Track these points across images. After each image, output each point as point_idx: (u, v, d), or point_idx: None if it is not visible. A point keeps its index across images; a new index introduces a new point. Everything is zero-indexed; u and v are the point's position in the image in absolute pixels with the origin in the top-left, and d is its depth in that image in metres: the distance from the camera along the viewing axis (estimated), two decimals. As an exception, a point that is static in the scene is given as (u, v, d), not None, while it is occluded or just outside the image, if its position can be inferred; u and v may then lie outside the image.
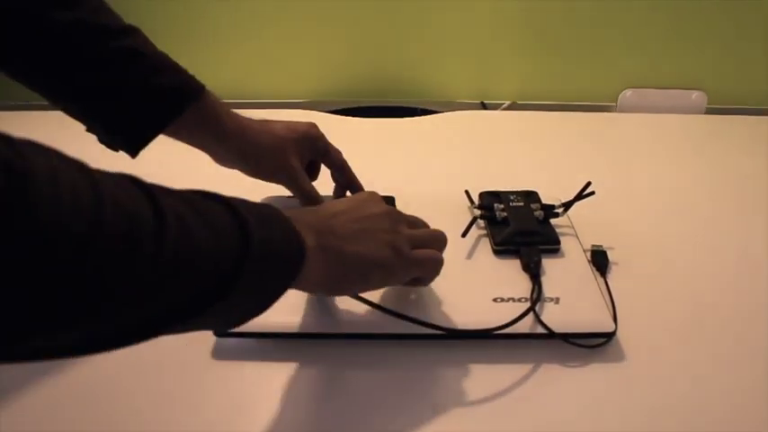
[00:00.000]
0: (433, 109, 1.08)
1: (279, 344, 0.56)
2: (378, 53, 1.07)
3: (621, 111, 1.06)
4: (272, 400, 0.51)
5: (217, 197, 0.40)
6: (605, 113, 1.04)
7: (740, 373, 0.53)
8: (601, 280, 0.62)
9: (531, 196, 0.68)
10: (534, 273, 0.59)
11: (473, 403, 0.51)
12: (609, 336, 0.55)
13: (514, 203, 0.66)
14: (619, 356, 0.55)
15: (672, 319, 0.59)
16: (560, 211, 0.66)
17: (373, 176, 0.84)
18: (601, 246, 0.66)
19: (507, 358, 0.54)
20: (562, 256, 0.62)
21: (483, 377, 0.53)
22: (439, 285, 0.58)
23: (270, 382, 0.53)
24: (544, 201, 0.67)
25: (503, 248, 0.62)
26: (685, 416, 0.50)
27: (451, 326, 0.53)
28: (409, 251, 0.50)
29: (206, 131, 0.61)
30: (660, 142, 0.94)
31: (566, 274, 0.60)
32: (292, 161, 0.64)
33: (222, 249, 0.37)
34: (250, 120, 0.64)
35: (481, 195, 0.69)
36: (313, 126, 0.67)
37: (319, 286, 0.49)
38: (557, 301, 0.56)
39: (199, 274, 0.35)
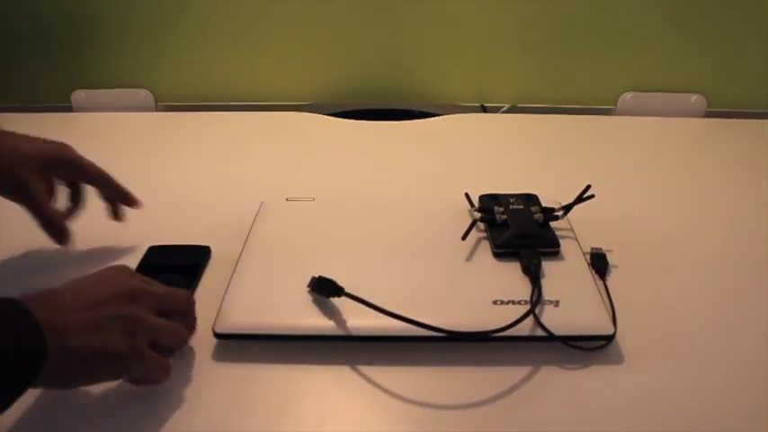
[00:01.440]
0: (433, 112, 1.08)
1: (279, 345, 0.56)
2: (378, 56, 1.07)
3: (621, 114, 1.06)
4: (273, 401, 0.51)
5: None
6: (605, 116, 1.04)
7: (740, 375, 0.54)
8: (600, 283, 0.62)
9: (530, 199, 0.68)
10: (534, 275, 0.59)
11: (473, 405, 0.51)
12: (608, 338, 0.55)
13: (514, 206, 0.66)
14: (618, 359, 0.55)
15: (671, 321, 0.59)
16: (560, 213, 0.66)
17: (372, 179, 0.85)
18: (600, 248, 0.66)
19: (507, 360, 0.54)
20: (562, 258, 0.62)
21: (483, 379, 0.53)
22: (439, 288, 0.58)
23: (270, 383, 0.53)
24: (544, 204, 0.67)
25: (503, 251, 0.62)
26: (685, 418, 0.50)
27: (451, 328, 0.53)
28: (143, 345, 0.48)
29: None
30: (660, 145, 0.94)
31: (565, 276, 0.60)
32: (29, 180, 0.61)
33: None
34: None
35: (481, 198, 0.69)
36: (63, 146, 0.65)
37: (50, 385, 0.47)
38: (556, 303, 0.56)
39: None
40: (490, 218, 0.66)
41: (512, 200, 0.67)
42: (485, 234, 0.66)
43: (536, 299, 0.56)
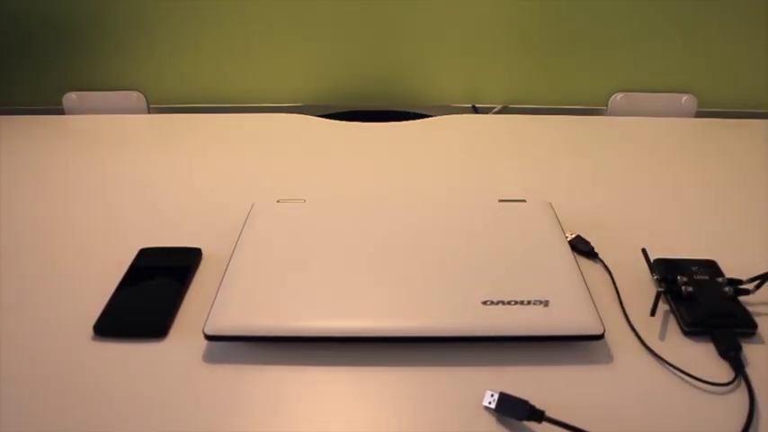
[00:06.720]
0: (425, 113, 1.08)
1: (269, 347, 0.56)
2: (370, 58, 1.07)
3: (612, 114, 1.06)
4: (263, 402, 0.51)
5: None
6: (596, 117, 1.05)
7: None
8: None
9: (712, 268, 0.63)
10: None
11: (463, 406, 0.51)
12: (598, 338, 0.55)
13: (698, 276, 0.62)
14: (607, 358, 0.55)
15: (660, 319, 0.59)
16: (750, 287, 0.60)
17: (364, 181, 0.85)
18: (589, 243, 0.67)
19: (496, 361, 0.55)
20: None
21: (473, 380, 0.53)
22: (431, 288, 0.58)
23: (260, 385, 0.53)
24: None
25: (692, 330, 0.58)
26: (674, 418, 0.50)
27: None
28: None
29: None
30: (651, 145, 0.94)
31: (554, 276, 0.60)
32: None
33: None
34: None
35: (657, 264, 0.65)
36: None
37: None
38: (546, 303, 0.57)
39: None
40: (676, 290, 0.61)
41: (693, 268, 0.63)
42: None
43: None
